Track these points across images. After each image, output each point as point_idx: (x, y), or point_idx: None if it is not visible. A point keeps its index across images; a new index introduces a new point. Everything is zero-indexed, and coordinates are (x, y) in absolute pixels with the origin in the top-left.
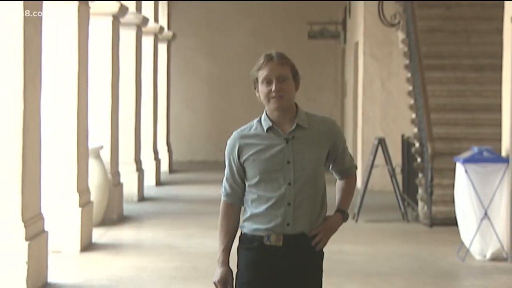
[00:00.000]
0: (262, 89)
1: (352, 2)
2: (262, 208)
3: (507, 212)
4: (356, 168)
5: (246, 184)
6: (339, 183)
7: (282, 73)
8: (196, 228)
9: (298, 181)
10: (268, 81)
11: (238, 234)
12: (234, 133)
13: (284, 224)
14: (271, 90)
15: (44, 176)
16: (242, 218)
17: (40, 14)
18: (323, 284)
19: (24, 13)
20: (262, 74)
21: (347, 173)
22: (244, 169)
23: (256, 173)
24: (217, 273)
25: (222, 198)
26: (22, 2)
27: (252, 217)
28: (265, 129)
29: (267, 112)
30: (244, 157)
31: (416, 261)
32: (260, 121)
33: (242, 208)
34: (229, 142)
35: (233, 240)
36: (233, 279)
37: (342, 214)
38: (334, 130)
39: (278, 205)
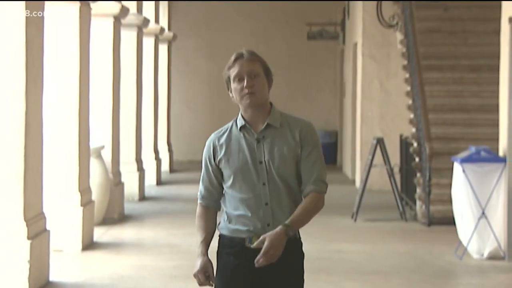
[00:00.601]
0: (234, 86)
1: (351, 3)
2: (240, 209)
3: (504, 212)
4: (325, 189)
5: (224, 186)
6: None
7: (253, 69)
8: None
9: (272, 180)
10: (239, 78)
11: (216, 237)
12: (212, 134)
13: (265, 225)
14: (243, 86)
15: (45, 176)
16: (219, 220)
17: (40, 14)
18: (323, 283)
19: (26, 13)
20: (233, 72)
21: (311, 187)
22: (220, 170)
23: (231, 173)
24: (196, 264)
25: (198, 201)
26: (24, 3)
27: (231, 219)
28: (238, 129)
29: (241, 112)
30: (219, 158)
31: (414, 259)
32: (235, 121)
33: (219, 213)
34: (206, 143)
35: (211, 236)
36: (213, 269)
37: (285, 228)
38: (306, 130)
39: (256, 206)
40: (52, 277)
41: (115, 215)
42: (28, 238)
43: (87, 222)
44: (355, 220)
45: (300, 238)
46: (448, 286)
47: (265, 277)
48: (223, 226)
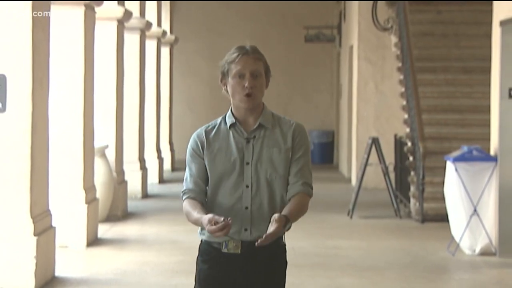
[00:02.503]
0: (234, 83)
1: (347, 7)
2: (219, 211)
3: (495, 209)
4: (312, 194)
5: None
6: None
7: (257, 68)
8: None
9: (256, 183)
10: (240, 76)
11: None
12: (199, 129)
13: (242, 230)
14: (244, 86)
15: (51, 174)
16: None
17: (47, 14)
18: (320, 278)
19: (33, 14)
20: (235, 67)
21: (301, 188)
22: (205, 166)
23: (215, 172)
24: (204, 219)
25: (183, 198)
26: (30, 6)
27: None
28: (227, 126)
29: (233, 108)
30: (205, 154)
31: (408, 255)
32: (224, 118)
33: None
34: (192, 138)
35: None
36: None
37: (285, 218)
38: (298, 133)
39: (235, 209)
40: (58, 272)
41: (119, 212)
42: (35, 234)
43: (91, 219)
44: (351, 217)
45: (285, 244)
46: (441, 281)
47: (242, 285)
48: (203, 231)
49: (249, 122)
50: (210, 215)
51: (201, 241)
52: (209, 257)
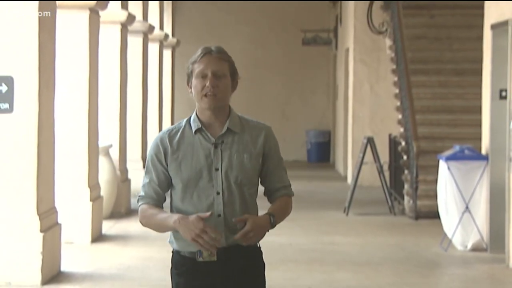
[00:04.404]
0: (195, 84)
1: (343, 11)
2: None
3: (486, 206)
4: (292, 192)
5: (172, 193)
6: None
7: (220, 68)
8: None
9: (228, 190)
10: (203, 76)
11: (170, 253)
12: (160, 132)
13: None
14: (205, 85)
15: (57, 173)
16: (170, 234)
17: (51, 15)
18: (316, 273)
19: (39, 15)
20: (197, 68)
21: (284, 191)
22: (168, 173)
23: (182, 180)
24: (188, 226)
25: (141, 202)
26: (37, 8)
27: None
28: (193, 131)
29: (197, 112)
30: (169, 161)
31: (402, 251)
32: (189, 121)
33: None
34: (154, 142)
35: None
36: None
37: (271, 216)
38: (268, 136)
39: (208, 217)
40: (63, 268)
41: (122, 209)
42: (41, 231)
43: (96, 216)
44: (347, 214)
45: (260, 247)
46: (434, 276)
47: None
48: (172, 240)
49: (215, 126)
50: (195, 216)
51: (172, 252)
52: (184, 269)
